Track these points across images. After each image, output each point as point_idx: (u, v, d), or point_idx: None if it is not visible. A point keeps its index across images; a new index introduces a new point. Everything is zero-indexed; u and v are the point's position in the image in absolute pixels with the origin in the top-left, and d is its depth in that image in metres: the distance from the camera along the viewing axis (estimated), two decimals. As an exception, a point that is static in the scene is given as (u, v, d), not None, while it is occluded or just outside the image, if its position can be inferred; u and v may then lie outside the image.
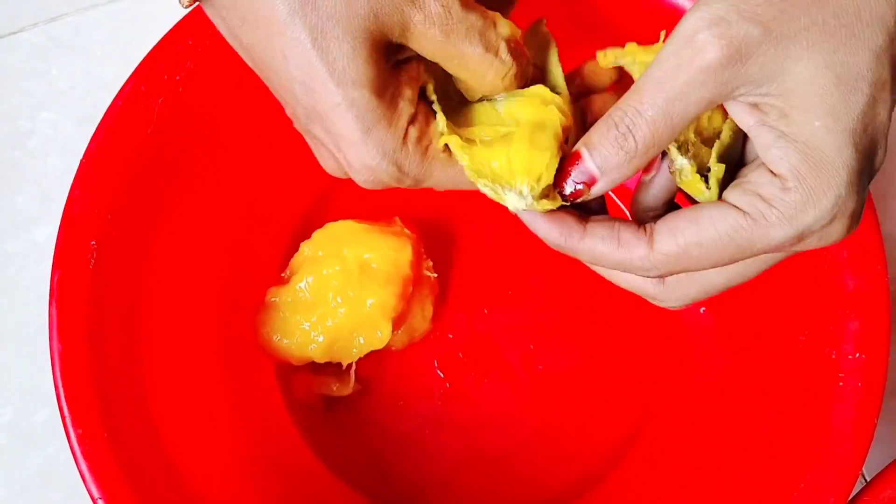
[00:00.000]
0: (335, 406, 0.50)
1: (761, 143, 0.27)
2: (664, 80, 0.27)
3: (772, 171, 0.27)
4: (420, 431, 0.50)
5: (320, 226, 0.49)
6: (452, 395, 0.50)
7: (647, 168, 0.31)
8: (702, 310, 0.49)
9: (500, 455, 0.50)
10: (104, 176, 0.40)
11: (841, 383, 0.38)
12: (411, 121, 0.30)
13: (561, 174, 0.29)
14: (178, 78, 0.41)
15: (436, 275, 0.49)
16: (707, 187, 0.29)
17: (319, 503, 0.48)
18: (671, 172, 0.30)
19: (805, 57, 0.26)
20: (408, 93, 0.30)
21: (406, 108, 0.30)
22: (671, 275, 0.30)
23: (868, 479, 0.39)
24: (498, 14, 0.30)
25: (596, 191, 0.29)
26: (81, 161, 0.40)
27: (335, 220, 0.49)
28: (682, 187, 0.30)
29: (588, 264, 0.31)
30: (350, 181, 0.32)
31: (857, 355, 0.38)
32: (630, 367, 0.50)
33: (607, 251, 0.29)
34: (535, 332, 0.51)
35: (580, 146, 0.28)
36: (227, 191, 0.48)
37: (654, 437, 0.49)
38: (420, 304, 0.49)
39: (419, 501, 0.49)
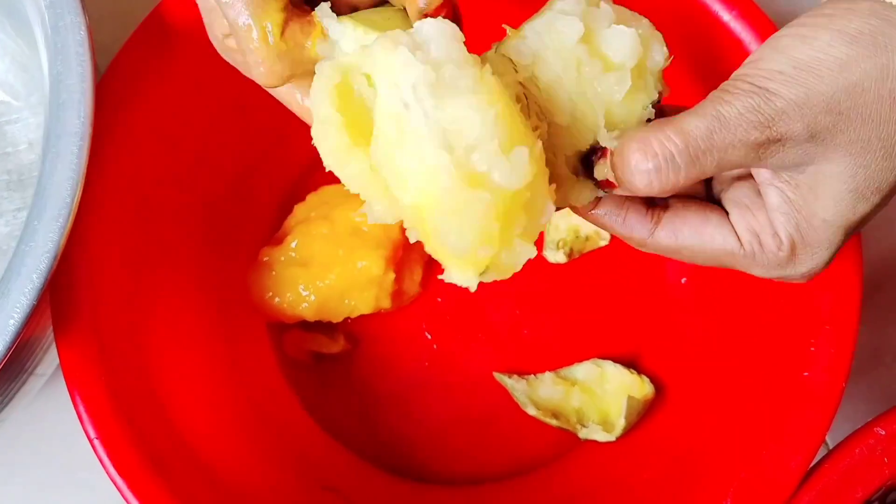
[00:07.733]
0: (325, 363, 0.52)
1: (769, 201, 0.31)
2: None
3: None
4: (407, 391, 0.51)
5: (315, 189, 0.50)
6: (439, 356, 0.52)
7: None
8: (683, 280, 0.51)
9: (483, 416, 0.51)
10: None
11: (812, 348, 0.39)
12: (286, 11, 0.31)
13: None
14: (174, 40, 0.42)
15: (426, 239, 0.51)
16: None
17: (308, 457, 0.49)
18: None
19: (836, 162, 0.30)
20: None
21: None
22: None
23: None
24: None
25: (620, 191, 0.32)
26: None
27: (329, 184, 0.50)
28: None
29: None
30: None
31: (828, 327, 0.40)
32: (611, 335, 0.52)
33: (613, 225, 0.33)
34: (521, 297, 0.52)
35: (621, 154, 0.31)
36: (225, 151, 0.49)
37: (633, 401, 0.50)
38: (410, 268, 0.51)
39: (404, 458, 0.51)
